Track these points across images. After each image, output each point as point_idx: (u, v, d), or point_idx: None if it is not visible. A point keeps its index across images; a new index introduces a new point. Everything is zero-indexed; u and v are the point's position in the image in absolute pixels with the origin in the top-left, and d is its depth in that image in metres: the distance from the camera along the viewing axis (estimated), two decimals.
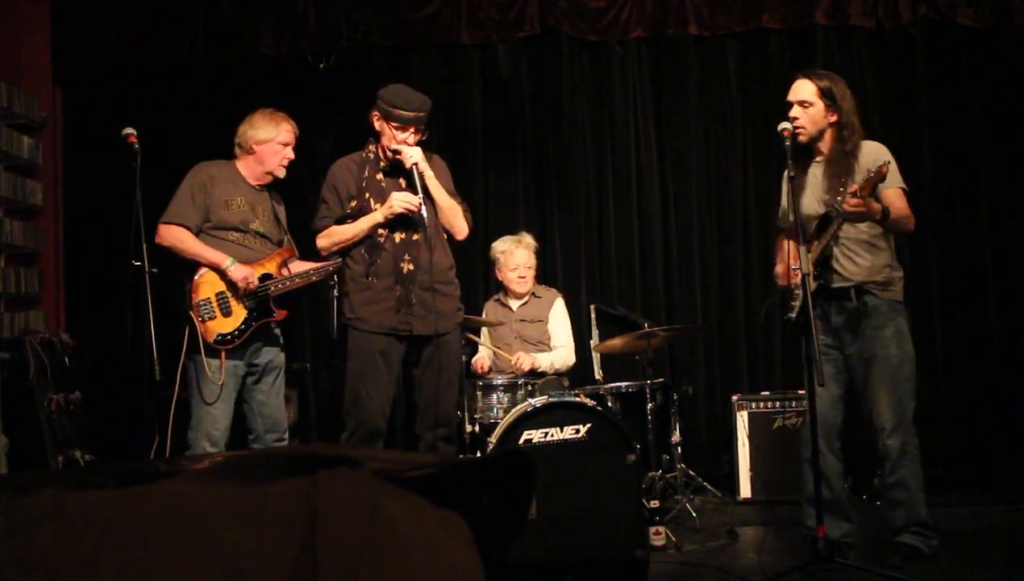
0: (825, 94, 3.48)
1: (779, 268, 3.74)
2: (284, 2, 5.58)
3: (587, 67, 5.66)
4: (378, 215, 3.71)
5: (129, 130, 3.82)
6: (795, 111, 3.49)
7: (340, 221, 3.82)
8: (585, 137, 5.64)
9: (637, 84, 5.60)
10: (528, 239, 4.92)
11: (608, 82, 5.62)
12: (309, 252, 4.05)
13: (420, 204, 3.68)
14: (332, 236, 3.78)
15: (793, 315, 3.59)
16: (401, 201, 3.68)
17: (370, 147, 3.83)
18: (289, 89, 5.60)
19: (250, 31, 5.58)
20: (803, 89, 3.51)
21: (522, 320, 4.84)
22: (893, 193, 3.40)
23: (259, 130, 3.93)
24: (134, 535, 1.42)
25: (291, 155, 3.99)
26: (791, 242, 3.54)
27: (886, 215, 3.31)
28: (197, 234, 3.83)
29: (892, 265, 3.54)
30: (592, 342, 4.99)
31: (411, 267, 3.70)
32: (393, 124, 3.70)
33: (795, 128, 3.47)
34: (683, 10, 5.46)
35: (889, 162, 3.26)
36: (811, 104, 3.49)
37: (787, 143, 3.42)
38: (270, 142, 3.93)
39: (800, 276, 3.31)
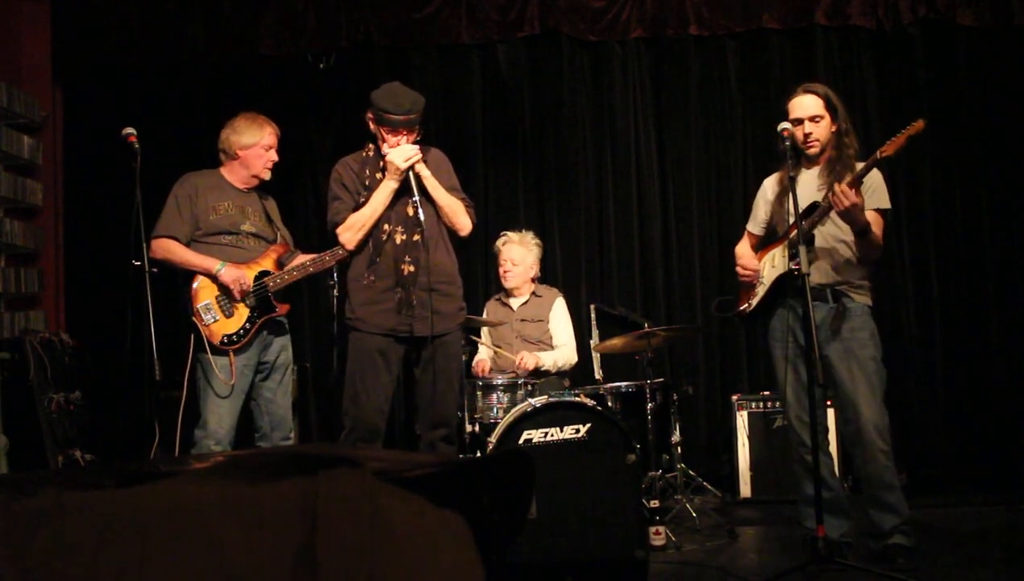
0: (829, 105, 3.52)
1: (746, 259, 3.77)
2: (284, 2, 5.58)
3: (587, 67, 5.66)
4: (391, 182, 3.64)
5: (129, 130, 3.82)
6: (808, 126, 3.51)
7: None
8: (585, 137, 5.64)
9: (637, 84, 5.60)
10: (528, 237, 4.92)
11: (608, 82, 5.62)
12: (306, 247, 4.04)
13: (415, 156, 3.63)
14: (354, 224, 3.68)
15: (753, 304, 3.65)
16: (402, 156, 3.61)
17: (369, 146, 3.81)
18: (289, 89, 5.61)
19: (250, 31, 5.58)
20: (813, 104, 3.53)
21: (522, 319, 4.84)
22: (872, 216, 3.44)
23: (243, 135, 3.93)
24: (134, 535, 1.42)
25: (275, 157, 4.00)
26: (786, 240, 3.54)
27: (866, 230, 3.36)
28: (189, 243, 3.84)
29: (865, 271, 3.56)
30: (592, 342, 4.98)
31: (412, 269, 3.67)
32: (384, 128, 3.69)
33: (809, 143, 3.51)
34: (683, 10, 5.47)
35: (885, 153, 3.28)
36: (821, 117, 3.52)
37: (787, 143, 3.44)
38: (254, 146, 3.93)
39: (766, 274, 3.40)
